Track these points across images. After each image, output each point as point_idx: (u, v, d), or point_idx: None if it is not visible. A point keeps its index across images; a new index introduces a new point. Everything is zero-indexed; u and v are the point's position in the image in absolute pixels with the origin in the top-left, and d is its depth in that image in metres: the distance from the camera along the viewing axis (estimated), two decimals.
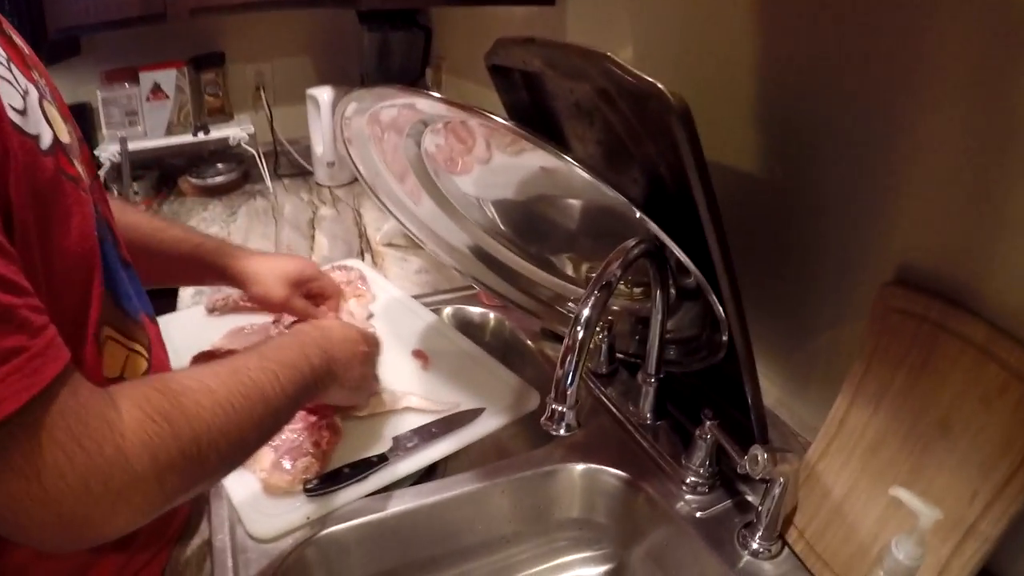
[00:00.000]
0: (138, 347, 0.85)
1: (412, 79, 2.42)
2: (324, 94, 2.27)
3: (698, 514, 1.00)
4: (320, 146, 2.35)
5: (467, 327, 1.56)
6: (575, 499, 1.13)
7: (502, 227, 1.32)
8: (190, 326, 1.45)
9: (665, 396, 1.15)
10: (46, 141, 0.66)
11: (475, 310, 1.58)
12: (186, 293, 1.67)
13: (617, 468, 1.09)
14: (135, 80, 2.32)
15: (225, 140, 2.39)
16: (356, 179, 2.37)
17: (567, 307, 1.33)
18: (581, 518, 1.14)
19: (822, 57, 0.95)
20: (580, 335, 0.84)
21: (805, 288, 1.06)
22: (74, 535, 0.61)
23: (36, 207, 0.63)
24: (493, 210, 1.29)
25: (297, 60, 2.66)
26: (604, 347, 1.28)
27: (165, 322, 1.40)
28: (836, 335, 1.03)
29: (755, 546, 0.92)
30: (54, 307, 0.62)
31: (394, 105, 1.06)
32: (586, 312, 0.85)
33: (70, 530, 0.60)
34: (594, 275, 0.87)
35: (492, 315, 1.55)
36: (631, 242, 0.92)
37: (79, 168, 0.73)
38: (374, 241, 1.96)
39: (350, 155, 1.21)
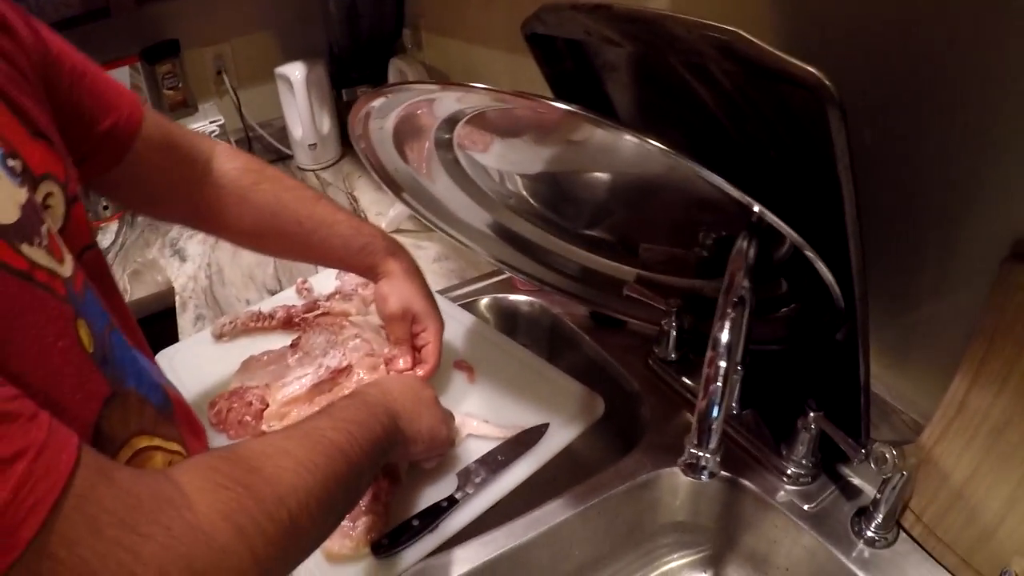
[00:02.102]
0: (175, 446, 0.74)
1: (388, 43, 2.25)
2: (296, 71, 2.11)
3: (805, 506, 0.94)
4: (299, 128, 2.20)
5: (508, 319, 1.44)
6: (675, 504, 1.05)
7: (531, 202, 1.19)
8: (198, 358, 1.32)
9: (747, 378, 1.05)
10: None
11: (514, 298, 1.44)
12: (186, 320, 1.55)
13: None
14: None
15: None
16: (341, 159, 2.26)
17: (616, 289, 1.20)
18: (680, 521, 1.07)
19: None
20: (723, 365, 0.72)
21: (905, 257, 0.96)
22: None
23: None
24: (520, 184, 1.17)
25: (258, 36, 2.45)
26: (673, 333, 1.14)
27: (170, 355, 1.32)
28: (939, 307, 0.94)
29: (870, 534, 0.88)
30: None
31: (420, 102, 0.92)
32: (725, 336, 0.74)
33: None
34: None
35: (533, 302, 1.42)
36: (743, 242, 0.79)
37: (32, 255, 0.58)
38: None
39: (369, 161, 1.07)
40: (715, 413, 0.72)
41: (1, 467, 0.42)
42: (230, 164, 1.07)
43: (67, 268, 0.63)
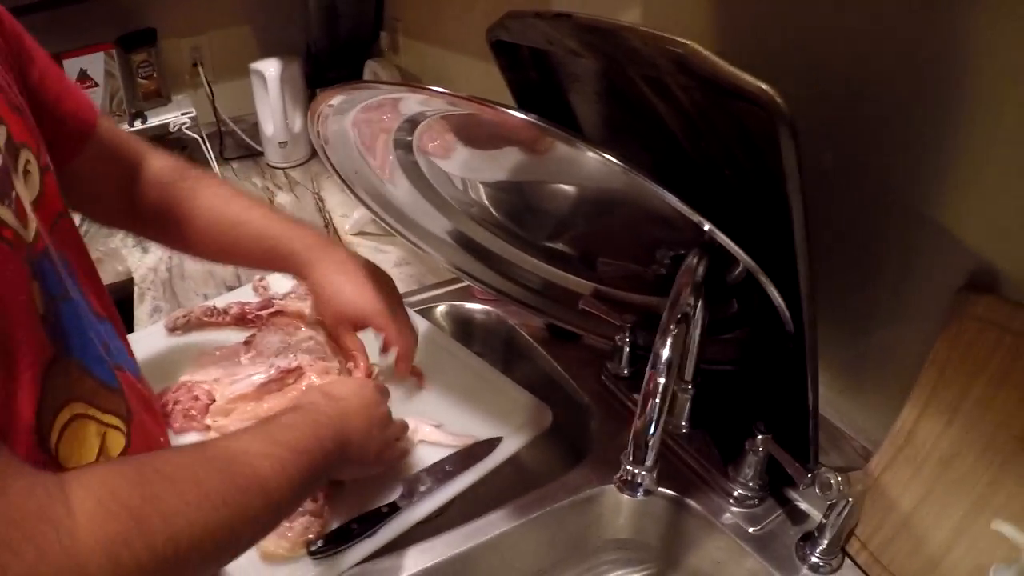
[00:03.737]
0: (112, 419, 0.72)
1: (365, 45, 2.25)
2: (270, 68, 2.09)
3: (751, 529, 0.94)
4: (270, 125, 2.18)
5: (464, 327, 1.44)
6: (620, 521, 1.05)
7: (493, 212, 1.18)
8: (151, 349, 1.29)
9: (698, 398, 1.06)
10: None
11: (470, 307, 1.44)
12: (143, 312, 1.54)
13: (662, 485, 0.99)
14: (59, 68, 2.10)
15: (163, 126, 2.18)
16: (311, 158, 2.25)
17: (573, 302, 1.20)
18: (624, 538, 1.06)
19: (878, 25, 0.84)
20: (662, 381, 0.73)
21: (861, 283, 0.97)
22: None
23: None
24: (482, 194, 1.16)
25: (236, 31, 2.44)
26: (626, 349, 1.14)
27: None
28: (894, 334, 0.96)
29: (815, 560, 0.87)
30: None
31: (381, 102, 0.91)
32: (666, 353, 0.74)
33: None
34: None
35: (489, 311, 1.42)
36: (692, 260, 0.79)
37: (2, 214, 0.60)
38: (343, 231, 1.81)
39: (327, 157, 1.06)
40: (652, 430, 0.71)
41: None
42: (159, 162, 1.09)
43: (30, 233, 0.64)
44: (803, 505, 0.95)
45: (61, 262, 0.71)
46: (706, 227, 0.70)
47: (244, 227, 1.10)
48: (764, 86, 0.61)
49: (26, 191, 0.67)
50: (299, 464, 0.72)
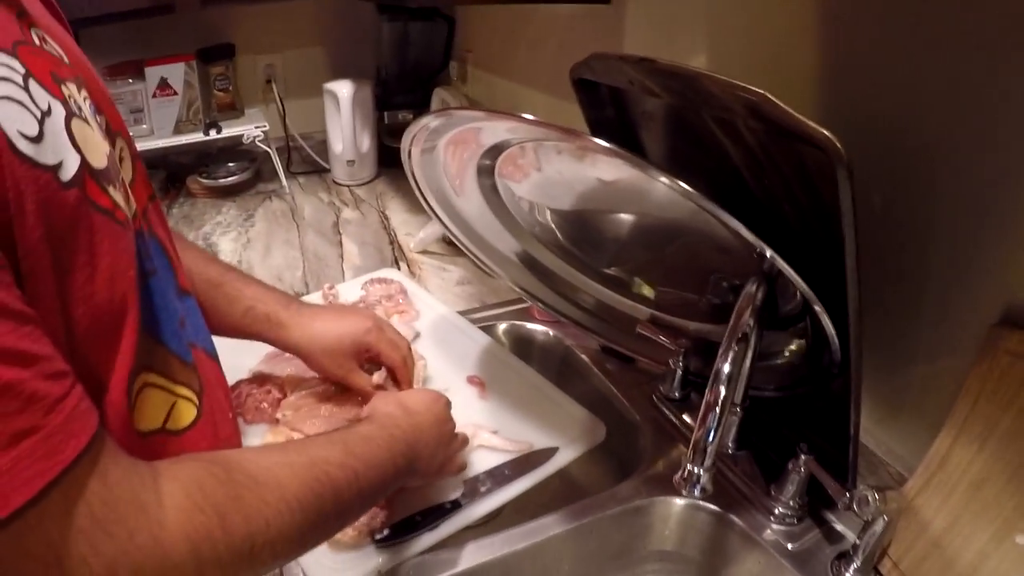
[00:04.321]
0: (185, 391, 0.77)
1: (433, 72, 2.34)
2: (343, 89, 2.18)
3: (789, 546, 0.97)
4: (339, 144, 2.27)
5: (523, 346, 1.50)
6: (665, 533, 1.09)
7: (558, 236, 1.25)
8: (222, 346, 1.34)
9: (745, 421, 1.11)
10: (69, 170, 0.56)
11: (530, 326, 1.50)
12: None
13: (708, 501, 1.05)
14: (140, 75, 2.20)
15: (236, 137, 2.28)
16: (376, 178, 2.33)
17: (629, 327, 1.26)
18: (668, 550, 1.10)
19: (933, 75, 0.89)
20: (722, 392, 0.80)
21: (902, 319, 1.02)
22: None
23: (52, 251, 0.54)
24: (548, 218, 1.22)
25: (309, 51, 2.56)
26: (679, 372, 1.20)
27: None
28: (932, 368, 1.01)
29: None
30: (73, 363, 0.54)
31: (467, 128, 0.98)
32: (727, 368, 0.81)
33: None
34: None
35: (548, 332, 1.48)
36: (752, 286, 0.86)
37: (114, 196, 0.64)
38: (407, 248, 1.88)
39: (414, 176, 1.13)
40: (711, 437, 0.78)
41: (13, 439, 0.47)
42: None
43: (131, 213, 0.69)
44: (839, 526, 0.99)
45: (152, 240, 0.76)
46: (768, 254, 0.76)
47: (222, 287, 1.08)
48: (827, 133, 0.68)
49: (124, 175, 0.72)
50: (371, 477, 0.77)
